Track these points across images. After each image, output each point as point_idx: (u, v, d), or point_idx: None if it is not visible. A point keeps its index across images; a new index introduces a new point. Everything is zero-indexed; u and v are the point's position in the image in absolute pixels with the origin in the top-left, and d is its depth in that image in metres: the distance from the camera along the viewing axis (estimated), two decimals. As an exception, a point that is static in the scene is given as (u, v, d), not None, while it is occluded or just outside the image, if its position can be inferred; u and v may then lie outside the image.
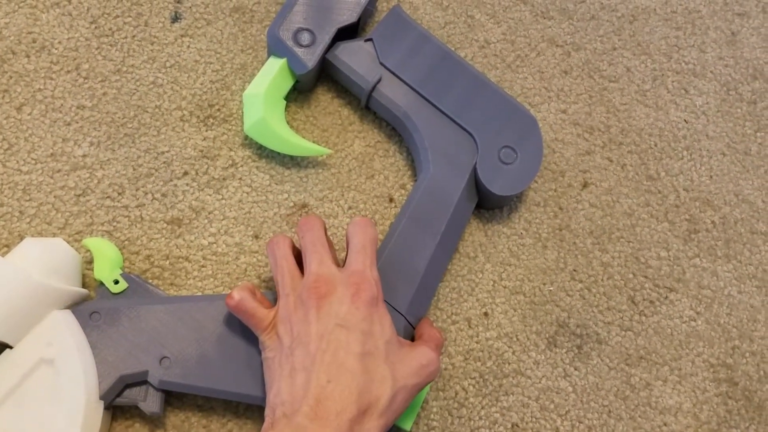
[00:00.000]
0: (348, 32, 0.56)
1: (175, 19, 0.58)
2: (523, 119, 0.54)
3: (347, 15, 0.55)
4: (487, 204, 0.55)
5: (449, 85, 0.55)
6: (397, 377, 0.42)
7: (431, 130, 0.54)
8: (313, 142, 0.56)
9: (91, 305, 0.46)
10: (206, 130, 0.55)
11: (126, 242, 0.52)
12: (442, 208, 0.52)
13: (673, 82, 0.62)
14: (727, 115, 0.61)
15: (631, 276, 0.56)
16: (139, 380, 0.45)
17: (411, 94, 0.55)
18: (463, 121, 0.54)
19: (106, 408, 0.45)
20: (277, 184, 0.55)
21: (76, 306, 0.46)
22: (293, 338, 0.43)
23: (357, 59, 0.55)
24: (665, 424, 0.52)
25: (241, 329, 0.46)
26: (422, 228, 0.51)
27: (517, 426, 0.51)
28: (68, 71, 0.55)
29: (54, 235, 0.51)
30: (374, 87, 0.54)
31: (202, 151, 0.55)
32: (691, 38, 0.63)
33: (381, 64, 0.55)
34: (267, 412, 0.42)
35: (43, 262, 0.45)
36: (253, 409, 0.48)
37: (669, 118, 0.60)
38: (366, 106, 0.57)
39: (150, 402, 0.45)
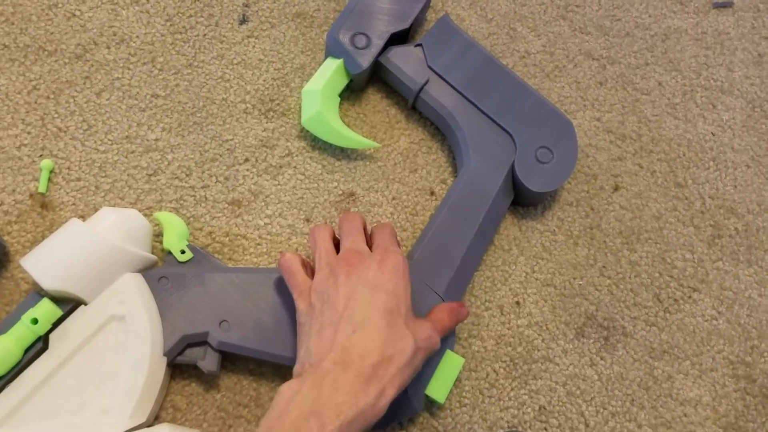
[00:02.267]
0: (400, 38, 0.59)
1: (243, 21, 0.61)
2: (559, 122, 0.56)
3: (400, 22, 0.58)
4: (523, 201, 0.57)
5: (491, 89, 0.57)
6: (416, 337, 0.44)
7: (473, 129, 0.56)
8: (363, 137, 0.59)
9: (160, 271, 0.49)
10: (266, 122, 0.58)
11: (191, 219, 0.54)
12: (481, 201, 0.54)
13: (701, 97, 0.63)
14: (752, 130, 0.63)
15: (657, 275, 0.57)
16: (200, 341, 0.48)
17: (456, 96, 0.57)
18: (503, 122, 0.56)
19: (168, 365, 0.47)
20: (328, 173, 0.57)
21: (146, 270, 0.49)
22: (323, 302, 0.45)
23: (407, 62, 0.57)
24: (685, 415, 0.53)
25: (292, 300, 0.48)
26: (461, 218, 0.53)
27: (544, 408, 0.52)
28: (144, 63, 0.59)
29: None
30: (422, 88, 0.57)
31: (262, 140, 0.57)
32: (719, 58, 0.65)
33: (429, 67, 0.57)
34: (295, 368, 0.44)
35: (118, 228, 0.48)
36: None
37: (697, 131, 0.62)
38: (413, 106, 0.59)
39: (208, 361, 0.47)
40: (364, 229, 0.50)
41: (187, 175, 0.55)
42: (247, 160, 0.56)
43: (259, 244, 0.54)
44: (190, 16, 0.60)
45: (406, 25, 0.57)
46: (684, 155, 0.61)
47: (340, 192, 0.57)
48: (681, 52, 0.64)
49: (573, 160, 0.55)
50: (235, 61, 0.59)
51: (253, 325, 0.47)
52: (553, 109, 0.57)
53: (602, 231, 0.58)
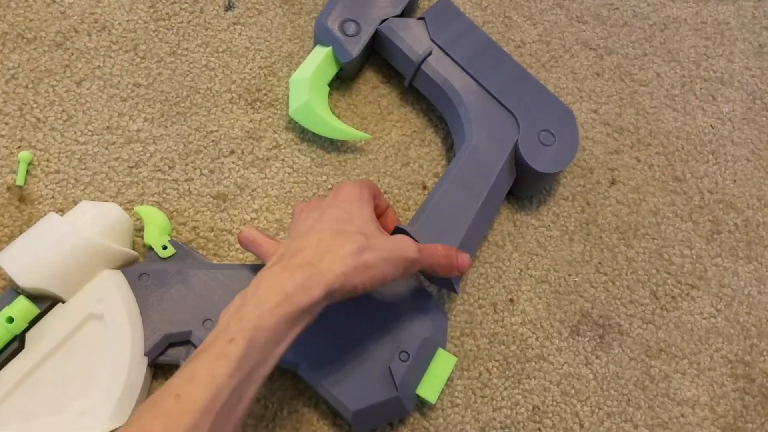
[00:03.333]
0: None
1: (229, 7, 0.59)
2: (560, 110, 0.55)
3: (391, 8, 0.56)
4: (522, 186, 0.55)
5: (494, 69, 0.55)
6: (369, 238, 0.41)
7: (476, 105, 0.54)
8: (353, 127, 0.57)
9: (141, 267, 0.47)
10: (253, 113, 0.56)
11: (174, 213, 0.53)
12: (485, 175, 0.52)
13: (701, 88, 0.62)
14: (752, 123, 0.61)
15: (654, 271, 0.55)
16: (183, 340, 0.46)
17: (458, 71, 0.55)
18: (506, 102, 0.54)
19: (150, 365, 0.45)
20: (317, 166, 0.55)
21: (126, 267, 0.47)
22: (305, 212, 0.45)
23: (409, 34, 0.55)
24: (682, 416, 0.52)
25: None
26: (465, 189, 0.51)
27: (538, 408, 0.51)
28: (126, 51, 0.57)
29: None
30: (424, 60, 0.54)
31: (248, 132, 0.56)
32: (719, 48, 0.63)
33: (432, 40, 0.55)
34: (279, 248, 0.43)
35: (97, 223, 0.46)
36: (287, 375, 0.49)
37: (696, 123, 0.60)
38: (410, 84, 0.57)
39: (191, 361, 0.45)
40: None
41: (170, 168, 0.53)
42: (232, 152, 0.55)
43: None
44: (174, 2, 0.58)
45: (397, 12, 0.56)
46: (683, 148, 0.59)
47: (330, 186, 0.55)
48: (680, 43, 0.63)
49: (574, 146, 0.54)
50: (220, 49, 0.57)
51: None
52: (554, 97, 0.55)
53: (598, 226, 0.56)
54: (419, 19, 0.55)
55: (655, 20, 0.63)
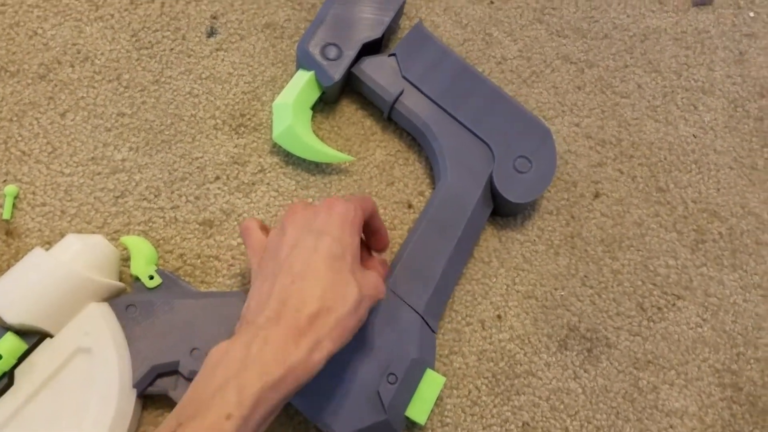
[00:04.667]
0: (372, 47, 0.57)
1: (211, 33, 0.60)
2: (537, 130, 0.55)
3: (371, 31, 0.56)
4: (502, 211, 0.56)
5: (467, 98, 0.55)
6: (362, 286, 0.41)
7: (450, 140, 0.55)
8: (337, 150, 0.57)
9: (128, 298, 0.47)
10: (237, 138, 0.56)
11: (161, 241, 0.53)
12: (459, 214, 0.53)
13: (682, 98, 0.62)
14: (735, 131, 0.61)
15: (640, 283, 0.56)
16: (171, 370, 0.46)
17: (431, 106, 0.55)
18: (479, 132, 0.54)
19: (138, 396, 0.45)
20: (302, 189, 0.55)
21: (113, 299, 0.47)
22: (267, 254, 0.43)
23: (381, 73, 0.56)
24: (671, 427, 0.52)
25: None
26: (440, 232, 0.52)
27: (528, 425, 0.51)
28: (110, 81, 0.57)
29: (93, 233, 0.52)
30: (396, 99, 0.55)
31: (233, 157, 0.56)
32: (700, 57, 0.63)
33: (403, 77, 0.56)
34: (236, 327, 0.41)
35: (83, 256, 0.46)
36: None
37: (678, 133, 0.61)
38: (388, 117, 0.58)
39: (180, 391, 0.46)
40: None
41: (155, 196, 0.54)
42: (218, 178, 0.55)
43: (232, 266, 0.52)
44: (156, 30, 0.58)
45: (378, 35, 0.56)
46: (665, 159, 0.59)
47: None
48: (660, 53, 0.63)
49: (552, 169, 0.54)
50: (203, 76, 0.58)
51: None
52: (530, 116, 0.55)
53: (583, 239, 0.56)
54: (391, 55, 0.56)
55: (635, 31, 0.63)
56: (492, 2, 0.62)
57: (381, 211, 0.56)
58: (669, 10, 0.64)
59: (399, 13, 0.59)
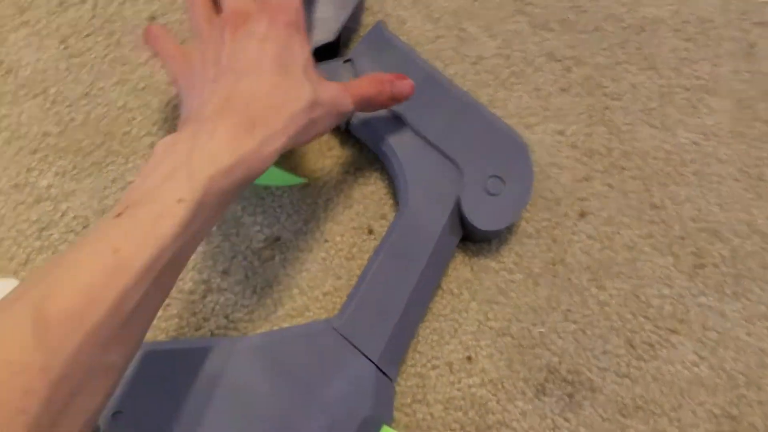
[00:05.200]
0: (328, 51, 0.50)
1: None
2: (512, 146, 0.49)
3: (323, 34, 0.49)
4: (474, 237, 0.50)
5: (433, 109, 0.49)
6: (315, 87, 0.39)
7: (412, 159, 0.48)
8: (289, 169, 0.51)
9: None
10: None
11: None
12: (423, 243, 0.47)
13: (682, 99, 0.54)
14: (741, 136, 0.54)
15: (629, 316, 0.49)
16: (89, 438, 0.41)
17: (391, 119, 0.49)
18: (446, 149, 0.48)
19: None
20: (249, 215, 0.49)
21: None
22: (203, 60, 0.40)
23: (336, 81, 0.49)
24: (662, 480, 0.46)
25: (211, 377, 0.41)
26: (401, 265, 0.46)
27: (500, 480, 0.45)
28: (35, 95, 0.51)
29: (15, 272, 0.47)
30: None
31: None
32: (703, 50, 0.56)
33: None
34: (178, 126, 0.40)
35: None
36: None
37: (676, 140, 0.53)
38: (346, 129, 0.51)
39: (101, 461, 0.40)
40: None
41: (83, 228, 0.48)
42: (155, 204, 0.48)
43: (168, 305, 0.47)
44: (88, 35, 0.52)
45: (330, 38, 0.49)
46: (661, 170, 0.52)
47: (263, 237, 0.49)
48: (658, 47, 0.55)
49: (528, 191, 0.48)
50: (139, 87, 0.51)
51: (156, 414, 0.41)
52: (505, 129, 0.49)
53: (566, 266, 0.50)
54: (347, 60, 0.49)
55: (630, 22, 0.56)
56: (467, -8, 0.54)
57: (338, 238, 0.50)
58: None
59: (359, 10, 0.52)
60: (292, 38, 0.40)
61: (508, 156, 0.48)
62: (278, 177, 0.48)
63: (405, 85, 0.45)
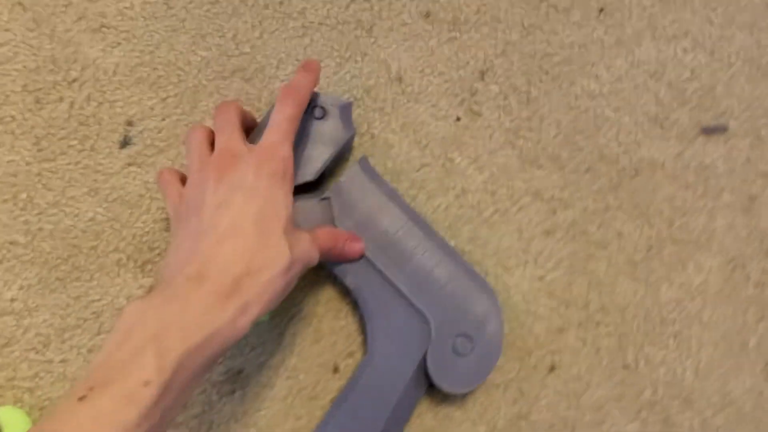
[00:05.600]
0: (308, 184, 0.49)
1: (125, 143, 0.52)
2: (485, 304, 0.50)
3: (305, 174, 0.50)
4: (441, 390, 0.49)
5: (408, 258, 0.50)
6: (294, 249, 0.41)
7: (382, 308, 0.50)
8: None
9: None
10: (143, 278, 0.51)
11: (46, 402, 0.49)
12: (387, 396, 0.49)
13: (670, 253, 0.53)
14: (728, 299, 0.53)
15: (586, 484, 0.49)
16: None
17: (364, 264, 0.49)
18: (418, 301, 0.49)
19: None
20: (211, 346, 0.49)
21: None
22: (189, 211, 0.42)
23: (310, 219, 0.48)
24: None
25: None
26: (364, 416, 0.49)
27: None
28: (5, 200, 0.51)
29: (-30, 390, 0.47)
30: None
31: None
32: (700, 201, 0.54)
33: (336, 227, 0.48)
34: (153, 283, 0.44)
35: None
36: None
37: (659, 297, 0.53)
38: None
39: None
40: (246, 117, 0.48)
41: (44, 346, 0.49)
42: (117, 326, 0.48)
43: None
44: (62, 138, 0.52)
45: (311, 178, 0.48)
46: (638, 329, 0.52)
47: (225, 370, 0.51)
48: (652, 193, 0.54)
49: (496, 355, 0.50)
50: (110, 198, 0.51)
51: None
52: (479, 285, 0.51)
53: (530, 423, 0.50)
54: (324, 199, 0.47)
55: (626, 164, 0.54)
56: (458, 119, 0.53)
57: (301, 375, 0.51)
58: (671, 138, 0.55)
59: (346, 150, 0.50)
60: (277, 190, 0.42)
61: (480, 315, 0.51)
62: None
63: (355, 248, 0.48)
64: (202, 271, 0.37)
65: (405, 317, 0.49)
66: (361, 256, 0.49)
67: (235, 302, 0.37)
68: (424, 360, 0.49)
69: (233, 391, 0.51)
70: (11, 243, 0.52)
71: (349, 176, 0.51)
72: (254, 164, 0.41)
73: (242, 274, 0.37)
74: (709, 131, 0.57)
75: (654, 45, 0.56)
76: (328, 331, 0.52)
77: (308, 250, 0.43)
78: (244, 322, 0.37)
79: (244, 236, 0.39)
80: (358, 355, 0.52)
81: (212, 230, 0.39)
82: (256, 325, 0.50)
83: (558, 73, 0.56)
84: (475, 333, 0.49)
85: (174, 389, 0.34)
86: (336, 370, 0.52)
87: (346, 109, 0.51)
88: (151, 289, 0.39)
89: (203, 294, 0.36)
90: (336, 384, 0.51)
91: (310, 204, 0.51)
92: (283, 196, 0.42)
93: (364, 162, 0.52)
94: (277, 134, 0.43)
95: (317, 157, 0.50)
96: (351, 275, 0.50)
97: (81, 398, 0.32)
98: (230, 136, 0.43)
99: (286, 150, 0.43)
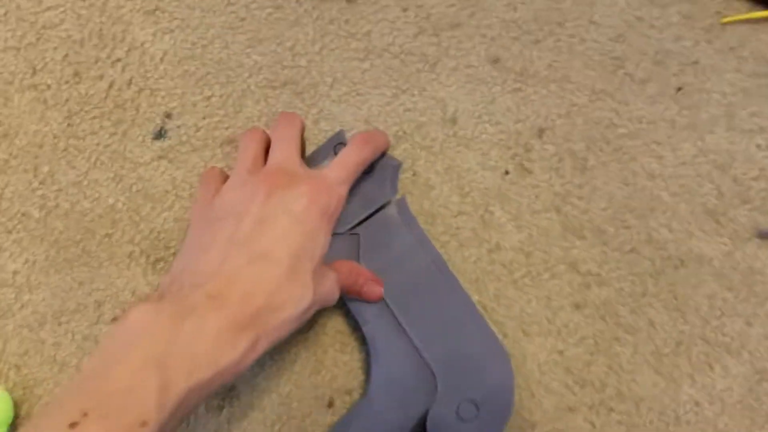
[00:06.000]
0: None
1: (159, 135, 0.51)
2: (498, 372, 0.49)
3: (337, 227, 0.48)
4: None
5: (426, 309, 0.53)
6: (317, 289, 0.41)
7: (390, 354, 0.52)
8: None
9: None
10: (152, 274, 0.52)
11: (31, 383, 0.49)
12: None
13: (699, 353, 0.53)
14: (748, 410, 0.53)
15: None
16: None
17: (380, 306, 0.53)
18: (429, 357, 0.50)
19: None
20: (209, 360, 0.47)
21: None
22: (226, 213, 0.42)
23: (334, 251, 0.47)
24: None
25: None
26: None
27: None
28: (25, 170, 0.51)
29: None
30: None
31: (140, 298, 0.49)
32: (741, 305, 0.53)
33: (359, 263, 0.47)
34: (161, 280, 0.42)
35: None
36: None
37: (678, 396, 0.52)
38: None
39: None
40: (302, 137, 0.47)
41: (39, 325, 0.50)
42: (115, 319, 0.47)
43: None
44: (95, 117, 0.51)
45: (339, 231, 0.49)
46: (651, 423, 0.52)
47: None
48: (694, 288, 0.53)
49: (499, 428, 0.45)
50: (134, 188, 0.51)
51: None
52: (495, 351, 0.51)
53: (520, 501, 0.47)
54: (353, 234, 0.45)
55: (672, 253, 0.52)
56: (507, 173, 0.51)
57: (294, 404, 0.50)
58: (724, 236, 0.54)
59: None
60: (321, 230, 0.42)
61: (491, 384, 0.50)
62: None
63: (374, 291, 0.48)
64: (225, 292, 0.37)
65: (412, 369, 0.50)
66: (379, 300, 0.49)
67: (249, 336, 0.36)
68: (424, 417, 0.49)
69: (221, 409, 0.50)
70: (24, 215, 0.51)
71: (384, 216, 0.52)
72: (309, 193, 0.41)
73: (263, 306, 0.37)
74: (764, 235, 0.54)
75: (727, 135, 0.57)
76: (330, 363, 0.54)
77: (331, 291, 0.43)
78: (251, 359, 0.37)
79: (277, 265, 0.39)
80: (356, 394, 0.53)
81: (246, 245, 0.39)
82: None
83: (620, 146, 0.57)
84: (482, 401, 0.50)
85: (169, 427, 0.33)
86: (331, 404, 0.52)
87: (395, 170, 0.53)
88: (158, 287, 0.37)
89: (221, 318, 0.36)
90: (328, 419, 0.53)
91: (337, 237, 0.50)
92: (324, 235, 0.42)
93: (402, 203, 0.54)
94: (344, 173, 0.44)
95: (353, 213, 0.50)
96: (365, 313, 0.51)
97: (72, 425, 0.31)
98: (290, 154, 0.44)
99: (344, 191, 0.44)
